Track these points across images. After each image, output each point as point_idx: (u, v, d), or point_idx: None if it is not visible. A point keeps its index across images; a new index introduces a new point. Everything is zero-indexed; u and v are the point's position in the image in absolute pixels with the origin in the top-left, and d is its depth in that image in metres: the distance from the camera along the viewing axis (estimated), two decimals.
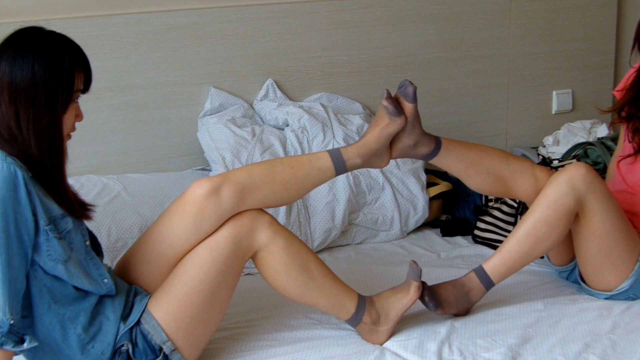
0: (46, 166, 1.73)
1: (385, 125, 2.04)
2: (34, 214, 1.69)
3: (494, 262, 2.13)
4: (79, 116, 1.81)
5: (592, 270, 2.20)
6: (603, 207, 2.10)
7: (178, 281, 1.89)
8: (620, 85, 2.39)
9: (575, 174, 2.09)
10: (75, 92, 1.76)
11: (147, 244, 1.96)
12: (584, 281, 2.27)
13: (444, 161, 2.16)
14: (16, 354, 1.71)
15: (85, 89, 1.80)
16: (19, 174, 1.66)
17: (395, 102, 2.04)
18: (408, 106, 2.05)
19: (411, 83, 2.04)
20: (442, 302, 2.09)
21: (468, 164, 2.17)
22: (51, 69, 1.70)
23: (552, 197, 2.09)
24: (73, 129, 1.82)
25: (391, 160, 2.63)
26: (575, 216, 2.12)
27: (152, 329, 1.86)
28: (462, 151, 2.16)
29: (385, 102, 2.02)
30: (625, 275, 2.17)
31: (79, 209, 1.83)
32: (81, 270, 1.80)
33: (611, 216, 2.11)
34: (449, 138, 2.17)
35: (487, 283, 2.14)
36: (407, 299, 2.05)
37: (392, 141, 2.09)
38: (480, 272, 2.14)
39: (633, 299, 2.22)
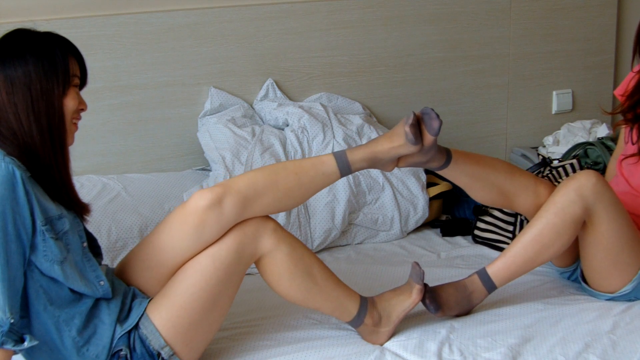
0: (48, 152, 1.74)
1: (399, 145, 1.99)
2: (32, 214, 1.69)
3: (498, 266, 2.13)
4: (82, 104, 1.82)
5: (598, 275, 2.19)
6: (611, 217, 2.09)
7: (179, 288, 1.87)
8: (621, 89, 2.39)
9: (585, 182, 2.07)
10: (72, 76, 1.77)
11: (147, 250, 1.95)
12: (585, 282, 2.27)
13: (450, 173, 2.15)
14: (16, 353, 1.71)
15: (83, 79, 1.83)
16: (17, 173, 1.66)
17: (417, 129, 1.97)
18: (428, 137, 1.99)
19: (437, 117, 1.97)
20: (442, 304, 2.09)
21: (474, 179, 2.16)
22: (44, 57, 1.73)
23: (559, 205, 2.08)
24: (77, 116, 1.82)
25: None
26: (582, 224, 2.12)
27: (151, 334, 1.85)
28: (469, 166, 2.14)
29: (407, 129, 1.95)
30: (628, 279, 2.17)
31: (79, 202, 1.83)
32: (77, 272, 1.79)
33: (619, 225, 2.10)
34: (460, 151, 2.15)
35: (490, 286, 2.14)
36: (409, 302, 2.05)
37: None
38: (484, 275, 2.14)
39: (634, 300, 2.22)
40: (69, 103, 1.77)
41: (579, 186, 2.07)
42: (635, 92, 2.29)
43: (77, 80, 1.80)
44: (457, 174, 2.15)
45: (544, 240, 2.09)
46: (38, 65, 1.72)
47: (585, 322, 2.12)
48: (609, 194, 2.09)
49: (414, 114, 1.97)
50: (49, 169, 1.75)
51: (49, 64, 1.73)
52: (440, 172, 2.16)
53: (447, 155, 2.11)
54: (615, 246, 2.12)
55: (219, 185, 1.91)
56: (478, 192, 2.20)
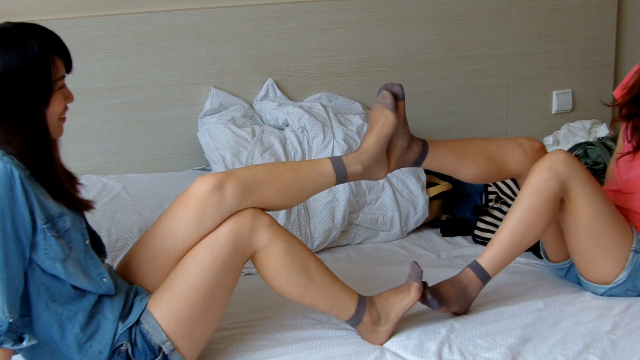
0: (37, 159, 1.73)
1: (381, 126, 2.07)
2: (31, 213, 1.69)
3: (488, 255, 2.16)
4: (68, 98, 1.78)
5: (585, 259, 2.22)
6: (587, 190, 2.14)
7: (178, 280, 1.89)
8: (619, 90, 2.41)
9: (555, 159, 2.14)
10: (55, 81, 1.73)
11: (149, 240, 1.97)
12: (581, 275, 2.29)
13: (436, 158, 2.20)
14: (15, 352, 1.71)
15: (68, 68, 1.77)
16: (15, 172, 1.67)
17: (390, 93, 2.09)
18: (399, 104, 2.10)
19: (394, 83, 2.11)
20: (444, 299, 2.10)
21: (459, 154, 2.22)
22: (22, 65, 1.66)
23: (535, 184, 2.13)
24: (64, 111, 1.79)
25: None
26: (561, 203, 2.15)
27: (152, 328, 1.86)
28: (448, 144, 2.22)
29: (386, 92, 2.07)
30: (620, 266, 2.19)
31: (77, 200, 1.83)
32: (80, 269, 1.80)
33: (596, 199, 2.15)
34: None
35: (484, 277, 2.15)
36: (407, 300, 2.05)
37: (388, 148, 2.12)
38: (476, 267, 2.15)
39: (633, 292, 2.22)
40: (54, 109, 1.74)
41: (550, 163, 2.13)
42: (632, 90, 2.31)
43: (62, 82, 1.76)
44: (442, 155, 2.21)
45: (527, 221, 2.13)
46: (20, 80, 1.66)
47: (585, 322, 2.12)
48: (581, 169, 2.15)
49: (381, 89, 2.10)
50: (43, 168, 1.75)
51: (32, 76, 1.68)
52: (427, 164, 2.20)
53: (421, 140, 2.18)
54: (597, 223, 2.15)
55: (221, 172, 1.96)
56: (469, 168, 2.24)
